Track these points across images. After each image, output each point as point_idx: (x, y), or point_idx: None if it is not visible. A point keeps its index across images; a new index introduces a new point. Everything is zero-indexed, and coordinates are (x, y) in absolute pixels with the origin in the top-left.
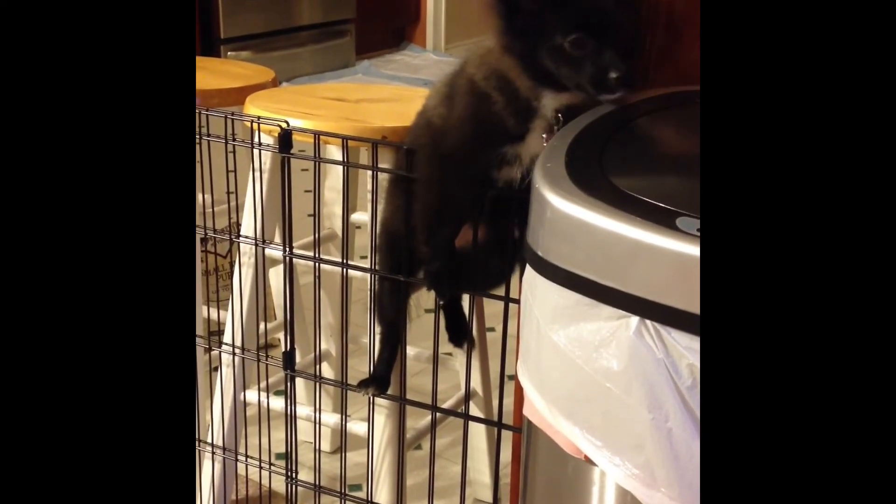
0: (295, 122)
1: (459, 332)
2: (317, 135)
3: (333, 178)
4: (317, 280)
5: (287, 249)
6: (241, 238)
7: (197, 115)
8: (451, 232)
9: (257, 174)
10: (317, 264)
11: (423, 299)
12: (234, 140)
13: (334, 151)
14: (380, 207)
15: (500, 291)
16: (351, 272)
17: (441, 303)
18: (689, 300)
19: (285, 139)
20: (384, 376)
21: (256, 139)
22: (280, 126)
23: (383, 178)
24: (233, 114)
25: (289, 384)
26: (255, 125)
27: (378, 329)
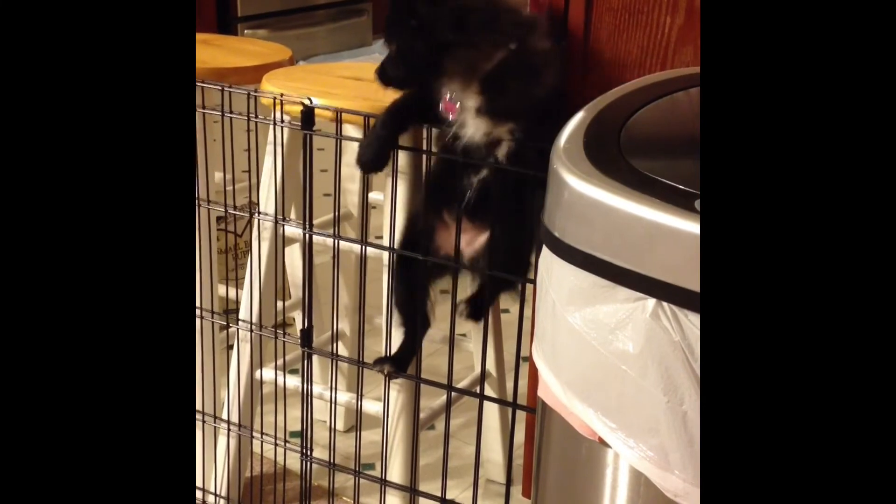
0: (314, 101)
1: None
2: (339, 112)
3: (349, 156)
4: (335, 258)
5: (307, 227)
6: (260, 215)
7: (220, 92)
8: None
9: (278, 151)
10: (336, 242)
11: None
12: (255, 117)
13: (349, 131)
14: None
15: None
16: (368, 252)
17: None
18: None
19: (308, 116)
20: (401, 359)
21: (278, 116)
22: (303, 103)
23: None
24: (255, 90)
25: (305, 361)
26: (276, 102)
27: (396, 317)
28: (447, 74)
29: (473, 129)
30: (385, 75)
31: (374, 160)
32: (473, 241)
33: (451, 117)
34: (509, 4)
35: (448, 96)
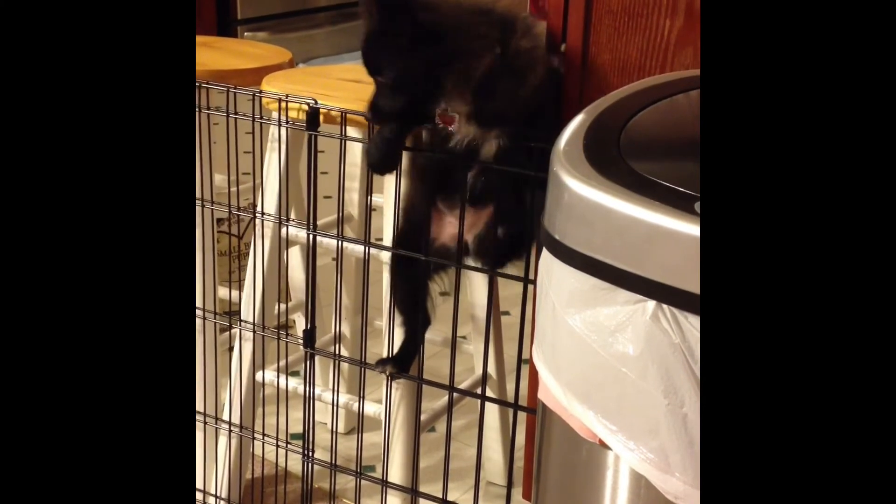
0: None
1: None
2: (343, 113)
3: (350, 156)
4: (338, 258)
5: (311, 227)
6: (263, 216)
7: (223, 94)
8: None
9: (282, 152)
10: (339, 242)
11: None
12: (261, 118)
13: (348, 133)
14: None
15: (520, 272)
16: (369, 253)
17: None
18: None
19: (313, 117)
20: (403, 359)
21: (283, 118)
22: (308, 104)
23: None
24: (261, 92)
25: (308, 362)
26: (281, 104)
27: (396, 316)
28: (446, 90)
29: (465, 133)
30: (379, 112)
31: (383, 161)
32: (472, 227)
33: (449, 129)
34: (480, 6)
35: (442, 109)
